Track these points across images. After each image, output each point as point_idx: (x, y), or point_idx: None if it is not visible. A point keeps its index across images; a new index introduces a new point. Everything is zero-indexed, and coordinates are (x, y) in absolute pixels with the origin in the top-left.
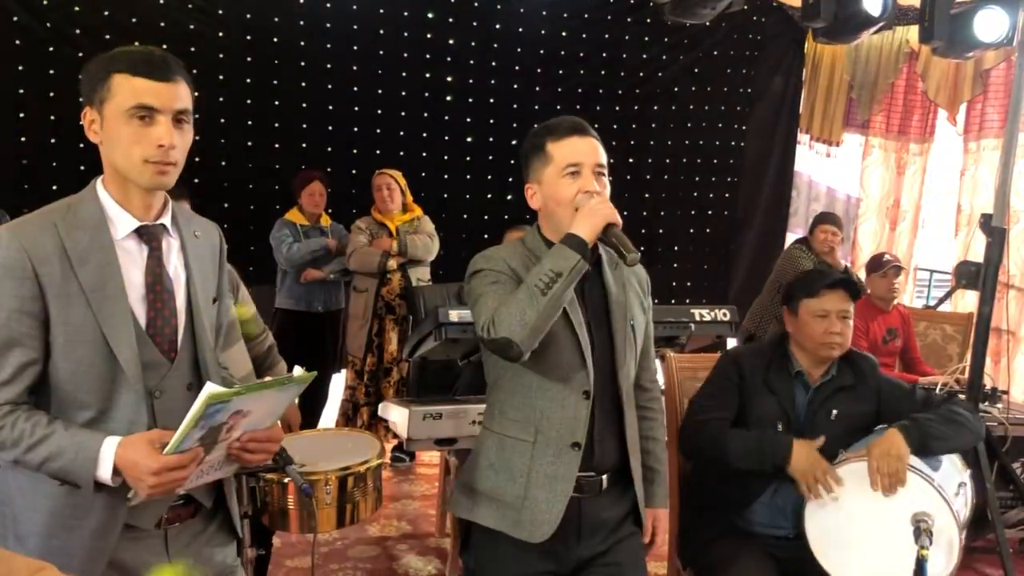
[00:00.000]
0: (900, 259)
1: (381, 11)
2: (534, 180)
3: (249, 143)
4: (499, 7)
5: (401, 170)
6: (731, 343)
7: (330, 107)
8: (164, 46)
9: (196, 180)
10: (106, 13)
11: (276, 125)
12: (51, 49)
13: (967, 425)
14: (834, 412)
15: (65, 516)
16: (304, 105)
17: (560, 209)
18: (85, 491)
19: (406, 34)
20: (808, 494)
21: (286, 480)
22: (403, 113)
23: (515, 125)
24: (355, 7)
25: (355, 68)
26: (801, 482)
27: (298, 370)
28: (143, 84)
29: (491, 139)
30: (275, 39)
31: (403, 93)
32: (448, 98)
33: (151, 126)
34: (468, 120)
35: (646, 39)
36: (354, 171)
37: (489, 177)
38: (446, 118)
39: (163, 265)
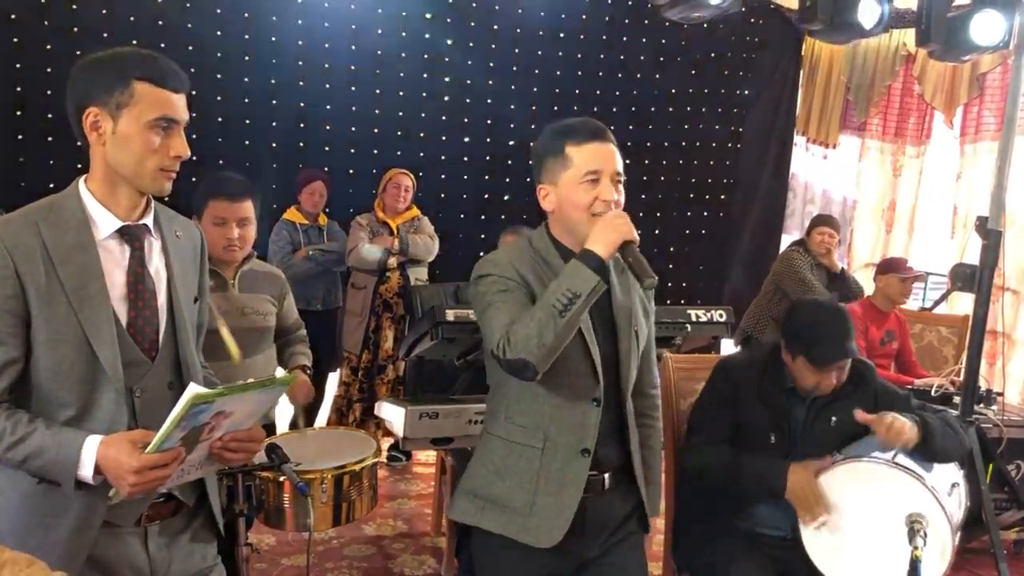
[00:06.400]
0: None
1: (379, 11)
2: (548, 182)
3: (247, 142)
4: (497, 8)
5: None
6: (727, 344)
7: (328, 107)
8: (162, 44)
9: (193, 179)
10: (104, 11)
11: (274, 124)
12: (49, 47)
13: (959, 436)
14: (833, 419)
15: (42, 514)
16: (302, 104)
17: (576, 214)
18: (65, 489)
19: (404, 34)
20: (803, 519)
21: (282, 478)
22: (401, 113)
23: (512, 126)
24: (353, 7)
25: (353, 68)
26: (796, 507)
27: (280, 372)
28: (168, 97)
29: (488, 139)
30: (273, 38)
31: (400, 93)
32: (446, 98)
33: (170, 137)
34: (466, 120)
35: (644, 40)
36: (351, 171)
37: (486, 177)
38: (443, 118)
39: (145, 265)
